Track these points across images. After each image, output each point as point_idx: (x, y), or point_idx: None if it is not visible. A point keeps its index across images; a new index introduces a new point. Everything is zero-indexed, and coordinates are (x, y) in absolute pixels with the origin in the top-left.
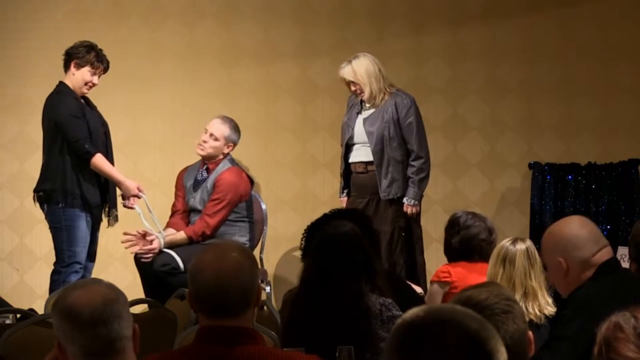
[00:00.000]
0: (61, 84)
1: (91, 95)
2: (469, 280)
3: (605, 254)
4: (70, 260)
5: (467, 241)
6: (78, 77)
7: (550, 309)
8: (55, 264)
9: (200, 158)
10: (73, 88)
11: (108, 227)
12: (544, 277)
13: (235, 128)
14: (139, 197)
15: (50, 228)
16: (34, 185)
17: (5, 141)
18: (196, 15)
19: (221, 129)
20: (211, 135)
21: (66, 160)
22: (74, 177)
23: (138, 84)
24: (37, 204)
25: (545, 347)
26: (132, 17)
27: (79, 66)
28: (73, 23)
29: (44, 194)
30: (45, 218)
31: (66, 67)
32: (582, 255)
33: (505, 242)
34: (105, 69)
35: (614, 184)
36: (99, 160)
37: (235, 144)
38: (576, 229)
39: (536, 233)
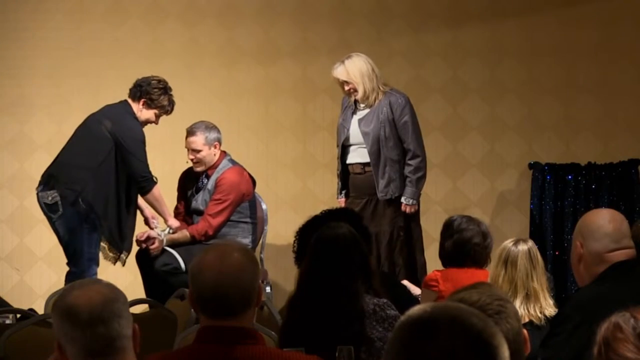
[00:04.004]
0: (129, 107)
1: (89, 94)
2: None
3: (622, 255)
4: (91, 263)
5: (460, 245)
6: (143, 116)
7: (550, 310)
8: (70, 265)
9: None
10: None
11: (115, 264)
12: (545, 278)
13: (207, 128)
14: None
15: (64, 228)
16: (34, 185)
17: (5, 141)
18: (196, 15)
19: (197, 141)
20: (193, 151)
21: (120, 186)
22: (119, 210)
23: None
24: (51, 197)
25: (541, 344)
26: (132, 17)
27: (148, 106)
28: (73, 23)
29: (79, 199)
30: (52, 212)
31: (134, 97)
32: (596, 248)
33: (507, 243)
34: (171, 112)
35: (614, 184)
36: (157, 190)
37: (219, 140)
38: (602, 220)
39: (536, 233)
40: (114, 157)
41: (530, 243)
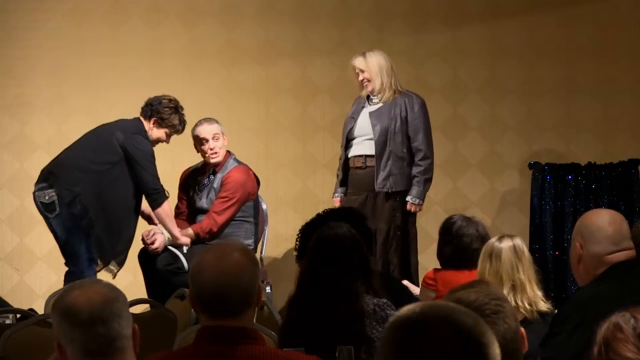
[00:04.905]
0: (141, 124)
1: (89, 94)
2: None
3: (622, 256)
4: (91, 262)
5: (459, 252)
6: (154, 134)
7: (542, 304)
8: (69, 265)
9: (201, 159)
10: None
11: (101, 270)
12: (533, 270)
13: (217, 120)
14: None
15: (62, 228)
16: (33, 185)
17: (5, 141)
18: (196, 15)
19: (215, 128)
20: (214, 137)
21: (120, 200)
22: (118, 224)
23: (138, 84)
24: (48, 196)
25: (541, 343)
26: (132, 17)
27: (159, 125)
28: (73, 23)
29: (77, 200)
30: (49, 212)
31: (145, 116)
32: (596, 250)
33: (493, 240)
34: (182, 132)
35: (614, 184)
36: (168, 206)
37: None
38: (603, 222)
39: (536, 233)
40: (119, 170)
41: (517, 239)
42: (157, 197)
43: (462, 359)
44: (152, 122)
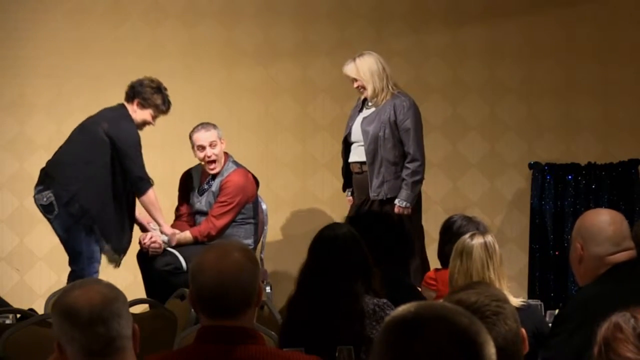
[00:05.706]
0: (125, 110)
1: (89, 94)
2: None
3: (623, 257)
4: (91, 261)
5: None
6: (139, 117)
7: (514, 300)
8: (71, 264)
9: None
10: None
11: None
12: (504, 269)
13: (214, 125)
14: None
15: (62, 228)
16: (34, 185)
17: (5, 141)
18: (196, 15)
19: (211, 135)
20: (211, 145)
21: (117, 189)
22: (118, 212)
23: None
24: (45, 198)
25: (542, 344)
26: (132, 17)
27: (142, 106)
28: (72, 23)
29: (74, 199)
30: (49, 213)
31: (129, 99)
32: (597, 251)
33: (465, 237)
34: (167, 112)
35: (614, 184)
36: (153, 193)
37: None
38: (603, 223)
39: (536, 233)
40: (111, 160)
41: (489, 237)
42: (142, 184)
43: (457, 358)
44: (135, 103)
